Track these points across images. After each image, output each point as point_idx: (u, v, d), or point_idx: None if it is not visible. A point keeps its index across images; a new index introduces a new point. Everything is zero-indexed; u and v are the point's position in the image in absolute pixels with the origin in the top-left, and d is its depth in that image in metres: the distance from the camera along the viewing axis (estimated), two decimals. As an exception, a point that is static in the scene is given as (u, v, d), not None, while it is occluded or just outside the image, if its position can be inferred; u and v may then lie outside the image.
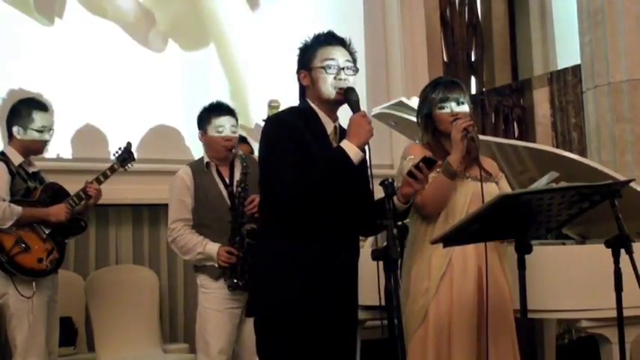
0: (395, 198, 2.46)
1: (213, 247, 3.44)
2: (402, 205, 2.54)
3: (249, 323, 3.45)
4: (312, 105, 2.59)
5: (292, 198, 2.44)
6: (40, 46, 4.90)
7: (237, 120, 3.60)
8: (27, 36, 4.88)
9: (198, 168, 3.57)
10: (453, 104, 2.84)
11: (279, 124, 2.59)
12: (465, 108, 2.86)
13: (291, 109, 2.67)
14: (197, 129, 3.61)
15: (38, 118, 3.68)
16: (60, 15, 5.03)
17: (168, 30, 5.42)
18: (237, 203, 3.47)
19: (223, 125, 3.51)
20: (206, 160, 3.56)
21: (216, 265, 3.42)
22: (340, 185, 2.46)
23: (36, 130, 3.67)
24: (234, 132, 3.54)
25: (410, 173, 2.49)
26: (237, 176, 3.54)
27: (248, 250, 3.37)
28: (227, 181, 3.54)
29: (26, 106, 3.71)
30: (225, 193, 3.51)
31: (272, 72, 5.35)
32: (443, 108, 2.85)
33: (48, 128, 3.72)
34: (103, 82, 5.04)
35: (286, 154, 2.45)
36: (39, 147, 3.73)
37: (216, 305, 3.44)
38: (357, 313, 2.65)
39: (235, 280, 3.39)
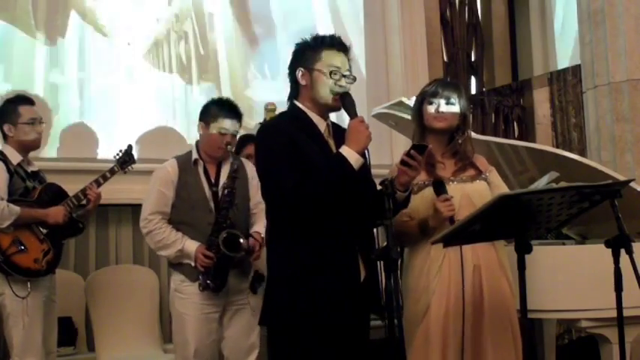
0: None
1: (191, 246, 3.37)
2: (401, 194, 2.54)
3: (233, 327, 3.43)
4: (302, 107, 2.60)
5: (295, 206, 2.45)
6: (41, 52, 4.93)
7: (241, 123, 3.56)
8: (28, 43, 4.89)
9: (185, 163, 3.48)
10: (442, 101, 2.83)
11: (273, 131, 2.59)
12: (454, 109, 2.84)
13: (282, 115, 2.69)
14: (198, 118, 3.54)
15: (25, 112, 3.68)
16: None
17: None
18: (222, 207, 3.39)
19: (228, 128, 3.45)
20: (195, 156, 3.49)
21: (193, 264, 3.37)
22: (344, 191, 2.47)
23: (26, 124, 3.67)
24: (234, 135, 3.50)
25: (403, 162, 2.50)
26: (223, 176, 3.47)
27: (222, 256, 3.33)
28: (212, 180, 3.47)
29: (12, 103, 3.72)
30: (209, 193, 3.44)
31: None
32: (431, 103, 2.84)
33: (38, 120, 3.72)
34: (104, 84, 5.05)
35: (285, 162, 2.46)
36: (33, 141, 3.71)
37: (192, 311, 3.37)
38: (380, 308, 2.57)
39: (208, 282, 3.33)
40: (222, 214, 3.39)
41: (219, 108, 3.50)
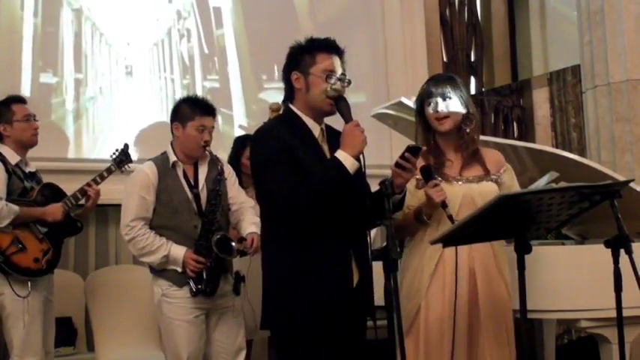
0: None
1: (179, 251, 3.28)
2: (396, 196, 2.55)
3: (220, 329, 3.40)
4: (297, 111, 2.61)
5: (291, 210, 2.45)
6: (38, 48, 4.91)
7: (215, 118, 3.48)
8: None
9: (163, 166, 3.37)
10: (439, 99, 2.78)
11: (267, 137, 2.59)
12: (453, 104, 2.78)
13: (276, 119, 2.69)
14: (170, 120, 3.44)
15: (19, 110, 3.71)
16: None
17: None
18: (209, 211, 3.34)
19: (206, 126, 3.36)
20: (173, 159, 3.38)
21: (179, 270, 3.29)
22: (339, 195, 2.47)
23: (21, 121, 3.68)
24: (211, 131, 3.41)
25: (397, 164, 2.51)
26: (201, 177, 3.41)
27: (215, 260, 3.28)
28: (192, 182, 3.38)
29: (3, 104, 3.73)
30: (190, 195, 3.35)
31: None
32: (429, 104, 2.81)
33: (33, 117, 3.73)
34: (103, 85, 5.04)
35: (279, 168, 2.47)
36: (30, 136, 3.71)
37: (182, 316, 3.30)
38: (374, 309, 2.60)
39: (200, 286, 3.27)
40: (209, 218, 3.33)
41: (193, 106, 3.39)
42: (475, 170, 2.82)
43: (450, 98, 2.79)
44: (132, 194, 3.34)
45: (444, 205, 2.60)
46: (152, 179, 3.33)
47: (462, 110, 2.80)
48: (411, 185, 2.71)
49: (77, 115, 5.01)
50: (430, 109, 2.80)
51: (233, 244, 3.33)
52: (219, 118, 5.15)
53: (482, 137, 3.76)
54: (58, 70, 4.97)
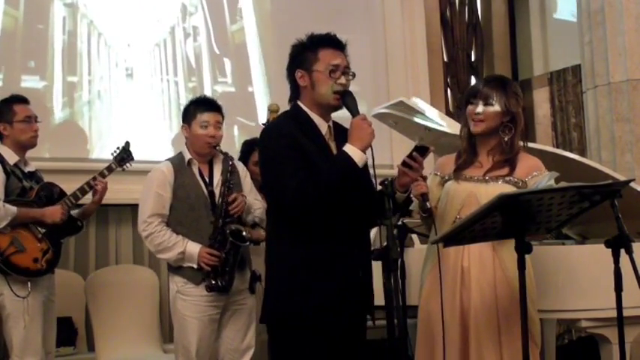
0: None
1: (194, 248, 3.34)
2: (401, 195, 2.55)
3: (230, 327, 3.44)
4: (304, 108, 2.61)
5: (300, 205, 2.46)
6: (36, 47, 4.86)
7: (223, 117, 3.53)
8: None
9: (179, 164, 3.47)
10: (480, 102, 2.76)
11: (275, 133, 2.59)
12: (491, 110, 2.74)
13: (284, 116, 2.69)
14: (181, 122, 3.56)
15: (20, 110, 3.69)
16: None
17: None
18: (221, 202, 3.40)
19: (208, 121, 3.43)
20: (188, 157, 3.47)
21: (195, 267, 3.34)
22: (346, 189, 2.47)
23: (22, 122, 3.68)
24: (218, 129, 3.47)
25: (404, 163, 2.50)
26: (216, 175, 3.48)
27: (230, 251, 3.34)
28: (207, 180, 3.47)
29: (5, 103, 3.73)
30: (206, 192, 3.44)
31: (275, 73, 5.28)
32: (471, 103, 2.78)
33: (33, 119, 3.73)
34: (100, 86, 5.01)
35: (288, 163, 2.47)
36: (30, 138, 3.71)
37: (196, 313, 3.34)
38: (373, 308, 2.62)
39: (214, 282, 3.32)
40: (222, 210, 3.39)
41: (195, 105, 3.51)
42: (500, 172, 2.79)
43: (491, 104, 2.75)
44: (149, 191, 3.43)
45: (424, 197, 2.61)
46: (168, 177, 3.42)
47: (500, 118, 2.76)
48: (433, 183, 2.77)
49: (72, 120, 4.93)
50: (469, 109, 2.79)
51: (244, 233, 3.39)
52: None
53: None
54: (47, 71, 4.81)
